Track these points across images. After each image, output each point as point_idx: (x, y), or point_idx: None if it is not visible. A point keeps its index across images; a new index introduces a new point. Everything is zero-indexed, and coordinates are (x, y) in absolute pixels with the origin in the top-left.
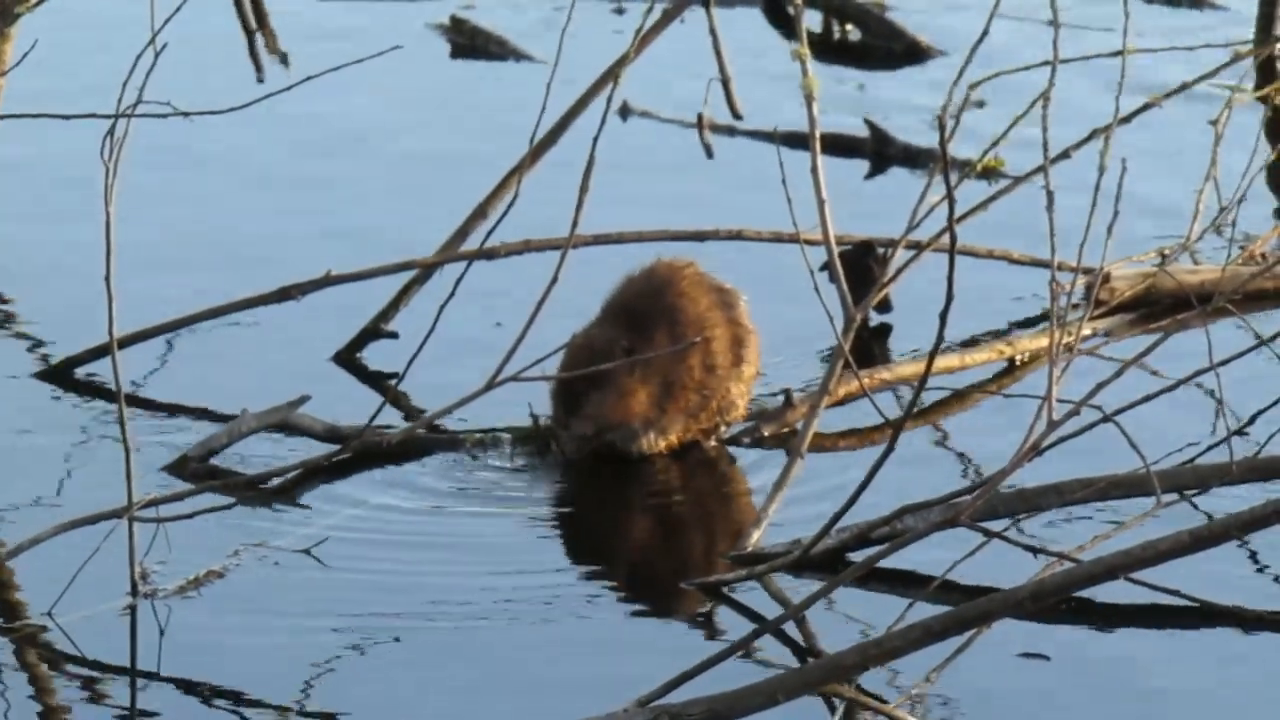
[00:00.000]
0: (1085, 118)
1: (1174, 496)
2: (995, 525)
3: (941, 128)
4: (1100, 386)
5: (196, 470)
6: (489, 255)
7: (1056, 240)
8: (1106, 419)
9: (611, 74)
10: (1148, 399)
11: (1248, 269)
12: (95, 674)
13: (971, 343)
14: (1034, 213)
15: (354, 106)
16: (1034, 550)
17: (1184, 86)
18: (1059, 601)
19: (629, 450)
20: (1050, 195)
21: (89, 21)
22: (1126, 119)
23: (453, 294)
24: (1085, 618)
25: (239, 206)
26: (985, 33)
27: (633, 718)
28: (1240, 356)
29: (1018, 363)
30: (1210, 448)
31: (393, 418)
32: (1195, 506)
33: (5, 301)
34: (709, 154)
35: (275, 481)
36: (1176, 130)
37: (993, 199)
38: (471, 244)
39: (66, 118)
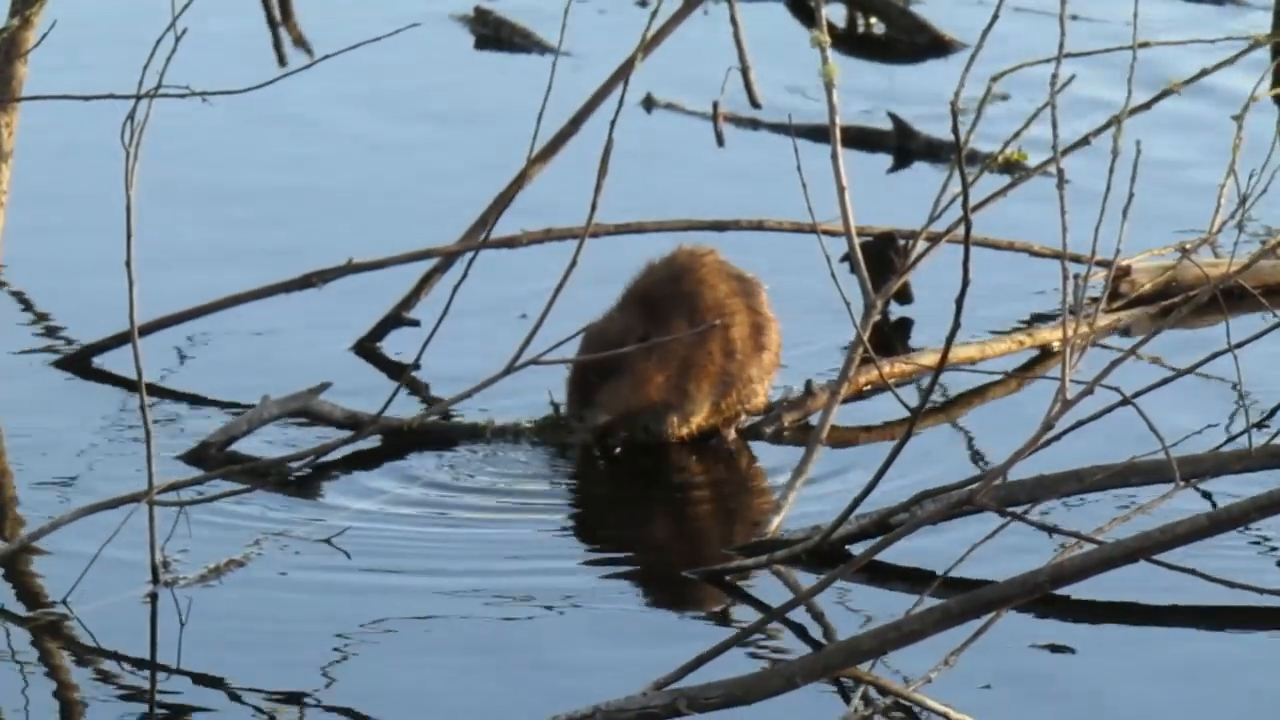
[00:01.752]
0: (1109, 112)
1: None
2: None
3: (954, 115)
4: (1114, 364)
5: (217, 457)
6: (510, 243)
7: (1081, 234)
8: (1126, 401)
9: (631, 62)
10: (1166, 381)
11: (1268, 262)
12: (115, 663)
13: (992, 333)
14: (1058, 208)
15: (377, 96)
16: (1049, 529)
17: (1203, 73)
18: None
19: (659, 433)
20: (1061, 172)
21: (110, 9)
22: (1144, 106)
23: (464, 276)
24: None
25: (260, 194)
26: (995, 17)
27: (651, 701)
28: (1259, 338)
29: (1044, 354)
30: (1231, 439)
31: (414, 404)
32: (1208, 496)
33: (24, 290)
34: (720, 142)
35: (297, 470)
36: (1198, 126)
37: (1011, 186)
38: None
39: (86, 99)
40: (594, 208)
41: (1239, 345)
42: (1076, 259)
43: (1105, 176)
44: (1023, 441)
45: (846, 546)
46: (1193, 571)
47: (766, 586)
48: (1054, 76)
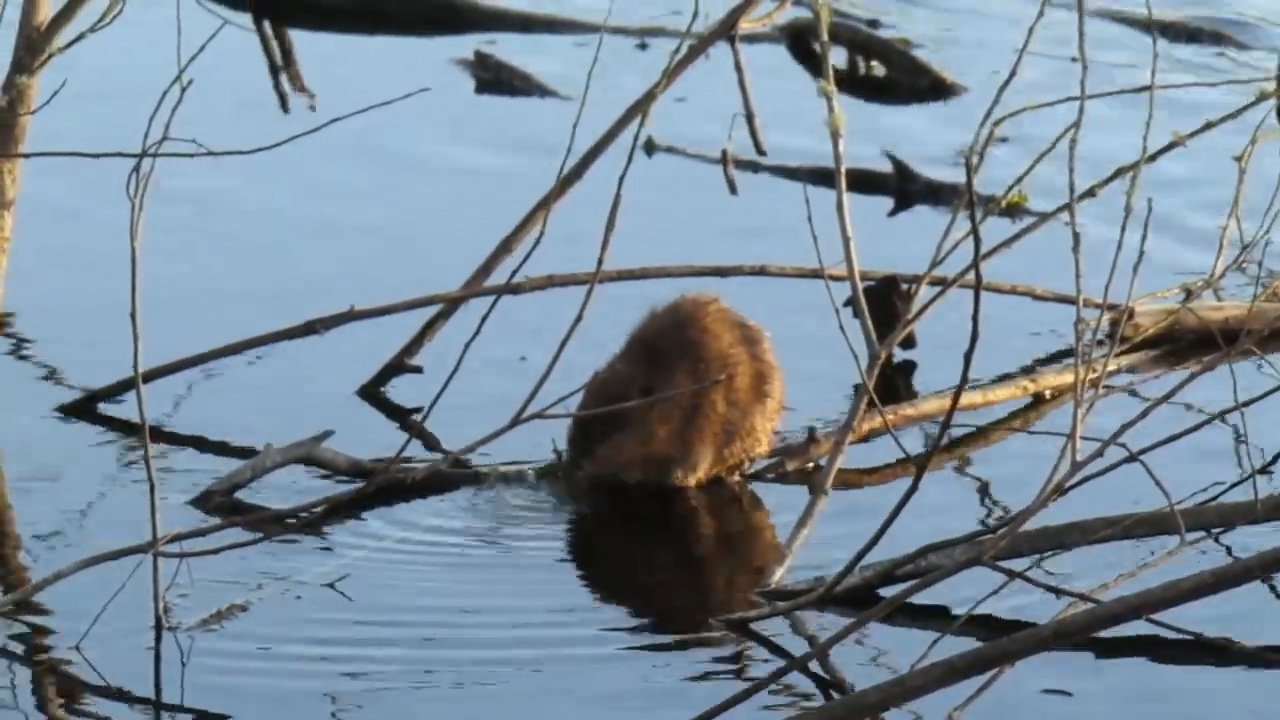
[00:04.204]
0: (1108, 154)
1: (1198, 535)
2: (1019, 563)
3: (968, 167)
4: (1125, 428)
5: (221, 505)
6: (513, 290)
7: (1081, 278)
8: (1133, 458)
9: (638, 109)
10: (1174, 438)
11: (1272, 305)
12: (119, 707)
13: (995, 379)
14: (1056, 247)
15: (378, 142)
16: (1055, 591)
17: (1208, 125)
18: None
19: (664, 482)
20: (1076, 236)
21: (116, 62)
22: (1152, 158)
23: (478, 332)
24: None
25: (262, 241)
26: (1013, 74)
27: None
28: (1265, 397)
29: (1045, 398)
30: (1233, 485)
31: (417, 453)
32: (1221, 542)
33: (28, 336)
34: (733, 190)
35: (299, 516)
36: (1202, 167)
37: (1019, 236)
38: (496, 279)
39: (94, 156)
40: (600, 262)
41: (1247, 403)
42: (1084, 303)
43: (1106, 214)
44: (1029, 482)
45: (877, 591)
46: (1197, 635)
47: (772, 635)
48: (1073, 131)
